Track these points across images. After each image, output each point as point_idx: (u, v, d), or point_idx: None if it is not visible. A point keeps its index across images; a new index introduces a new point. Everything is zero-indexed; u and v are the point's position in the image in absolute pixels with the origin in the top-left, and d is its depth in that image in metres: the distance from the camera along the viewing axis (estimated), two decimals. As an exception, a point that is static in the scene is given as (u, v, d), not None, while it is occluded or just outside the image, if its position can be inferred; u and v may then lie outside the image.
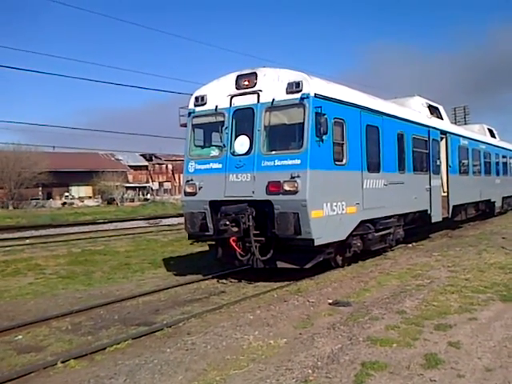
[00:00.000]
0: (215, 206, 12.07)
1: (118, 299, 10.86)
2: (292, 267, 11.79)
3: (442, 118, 20.92)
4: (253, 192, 11.52)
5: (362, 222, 13.11)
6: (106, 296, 11.40)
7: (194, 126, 13.19)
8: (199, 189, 12.46)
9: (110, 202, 79.03)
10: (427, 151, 17.74)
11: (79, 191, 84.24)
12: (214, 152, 12.67)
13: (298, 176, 10.94)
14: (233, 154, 12.04)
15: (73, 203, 77.66)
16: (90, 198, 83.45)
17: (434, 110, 20.22)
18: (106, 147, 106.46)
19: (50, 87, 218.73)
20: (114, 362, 6.88)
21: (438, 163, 18.68)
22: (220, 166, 12.20)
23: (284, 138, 12.09)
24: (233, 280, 12.55)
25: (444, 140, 19.80)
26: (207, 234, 12.39)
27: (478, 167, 25.30)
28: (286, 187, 11.02)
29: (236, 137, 12.13)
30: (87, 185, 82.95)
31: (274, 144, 11.80)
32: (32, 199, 73.04)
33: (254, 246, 11.44)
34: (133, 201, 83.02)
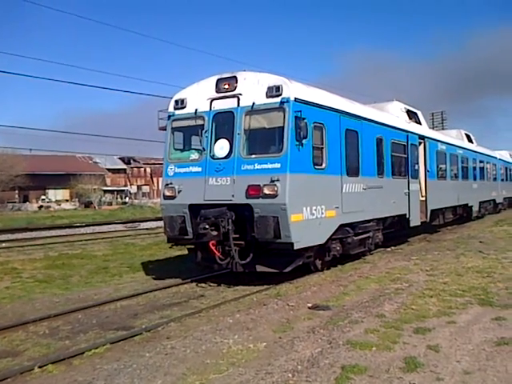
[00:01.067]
0: (195, 209, 12.01)
1: (96, 303, 10.75)
2: (271, 271, 11.77)
3: (420, 123, 21.13)
4: (232, 196, 11.49)
5: (342, 226, 13.13)
6: (84, 300, 11.27)
7: (174, 130, 13.13)
8: (178, 192, 12.38)
9: (88, 205, 78.38)
10: (406, 156, 17.86)
11: (56, 194, 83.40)
12: (194, 155, 12.60)
13: (278, 180, 10.94)
14: (212, 157, 11.99)
15: (50, 206, 76.80)
16: (67, 201, 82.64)
17: (412, 115, 20.42)
18: (84, 150, 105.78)
19: (26, 89, 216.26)
20: (92, 366, 6.80)
21: (416, 168, 18.83)
22: (199, 169, 12.14)
23: (264, 141, 12.07)
24: (212, 284, 12.50)
25: (422, 145, 20.00)
26: (186, 237, 12.32)
27: (456, 172, 25.56)
28: (266, 191, 11.00)
29: (216, 140, 12.09)
30: (64, 188, 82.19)
31: (254, 148, 11.77)
32: (8, 202, 72.13)
33: (234, 249, 11.39)
34: (111, 204, 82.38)
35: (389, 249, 17.70)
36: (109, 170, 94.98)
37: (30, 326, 9.17)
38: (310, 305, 9.59)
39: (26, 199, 78.04)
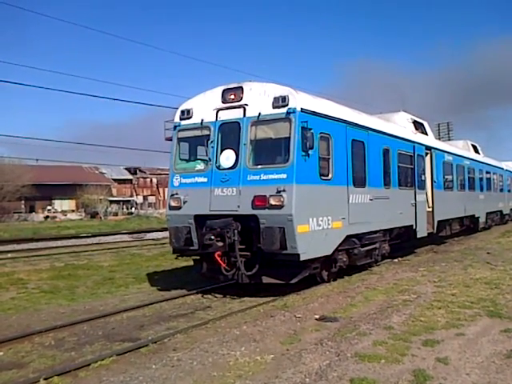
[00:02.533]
0: (200, 220, 11.96)
1: (101, 315, 10.70)
2: (277, 282, 11.69)
3: (426, 134, 21.11)
4: (238, 206, 11.43)
5: (348, 237, 13.06)
6: (90, 311, 11.24)
7: (180, 140, 13.13)
8: (184, 203, 12.34)
9: (94, 215, 78.48)
10: (412, 166, 17.82)
11: (62, 205, 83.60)
12: (200, 166, 12.59)
13: (284, 190, 10.88)
14: (218, 167, 11.96)
15: (55, 217, 76.98)
16: (73, 211, 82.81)
17: (419, 126, 20.39)
18: (90, 160, 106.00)
19: (33, 100, 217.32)
20: (98, 378, 6.75)
21: (423, 178, 18.78)
22: (205, 179, 12.11)
23: (270, 152, 12.04)
24: (218, 295, 12.45)
25: (429, 155, 19.95)
26: (192, 248, 12.27)
27: (463, 183, 25.46)
28: (272, 201, 10.95)
29: (222, 151, 12.06)
30: (70, 198, 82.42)
31: (260, 158, 11.74)
32: (14, 212, 72.33)
33: (240, 260, 11.33)
34: (116, 214, 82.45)
35: (396, 260, 17.61)
36: (115, 180, 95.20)
37: (36, 337, 9.13)
38: (317, 316, 9.52)
39: (32, 209, 78.25)
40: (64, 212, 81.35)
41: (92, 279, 15.62)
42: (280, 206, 10.88)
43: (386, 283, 12.81)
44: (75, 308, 11.67)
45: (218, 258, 11.53)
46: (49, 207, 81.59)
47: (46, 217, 76.21)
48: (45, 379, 6.77)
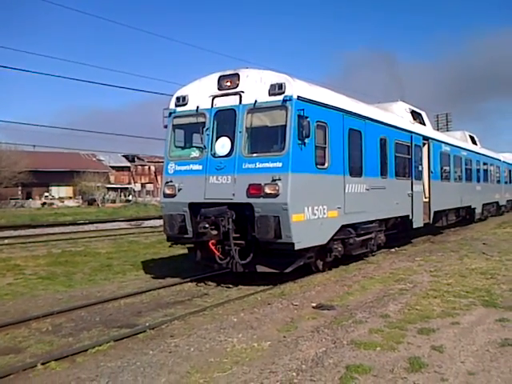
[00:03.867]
0: (195, 208, 11.93)
1: (99, 301, 10.73)
2: (272, 271, 11.67)
3: (424, 124, 21.06)
4: (233, 194, 11.38)
5: (344, 227, 13.02)
6: (87, 297, 11.27)
7: (175, 127, 13.03)
8: (178, 190, 12.29)
9: (91, 202, 78.36)
10: (409, 157, 17.77)
11: (59, 191, 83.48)
12: (195, 153, 12.52)
13: (280, 179, 10.82)
14: (213, 155, 11.90)
15: (53, 203, 76.85)
16: (70, 198, 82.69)
17: (416, 116, 20.34)
18: (88, 147, 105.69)
19: (29, 85, 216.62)
20: (95, 363, 6.78)
21: (420, 169, 18.72)
22: (200, 167, 12.04)
23: (266, 140, 11.98)
24: (216, 282, 12.47)
25: (426, 146, 19.90)
26: (186, 236, 12.22)
27: (460, 174, 25.47)
28: (267, 190, 10.88)
29: (217, 138, 11.99)
30: (68, 185, 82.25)
31: (256, 146, 11.67)
32: (11, 199, 72.15)
33: (234, 249, 11.30)
34: (114, 202, 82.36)
35: (393, 249, 17.68)
36: (113, 167, 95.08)
37: (33, 322, 9.16)
38: (314, 304, 9.58)
39: (29, 196, 78.14)
40: (61, 199, 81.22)
41: (89, 266, 15.64)
42: (275, 195, 10.82)
43: (383, 272, 12.89)
44: (72, 294, 11.69)
45: (212, 247, 11.48)
46: (46, 194, 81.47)
47: (43, 203, 76.09)
48: (42, 364, 6.80)
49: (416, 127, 19.11)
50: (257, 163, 11.24)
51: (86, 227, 31.94)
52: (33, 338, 8.33)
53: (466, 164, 26.50)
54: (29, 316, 9.50)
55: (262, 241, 11.03)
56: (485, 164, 31.39)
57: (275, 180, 10.85)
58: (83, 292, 11.90)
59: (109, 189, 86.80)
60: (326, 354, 6.70)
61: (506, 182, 38.48)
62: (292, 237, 10.80)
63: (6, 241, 23.42)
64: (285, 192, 10.77)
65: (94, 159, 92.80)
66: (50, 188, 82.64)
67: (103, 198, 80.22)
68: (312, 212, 11.57)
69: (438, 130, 44.91)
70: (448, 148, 23.09)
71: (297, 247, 10.95)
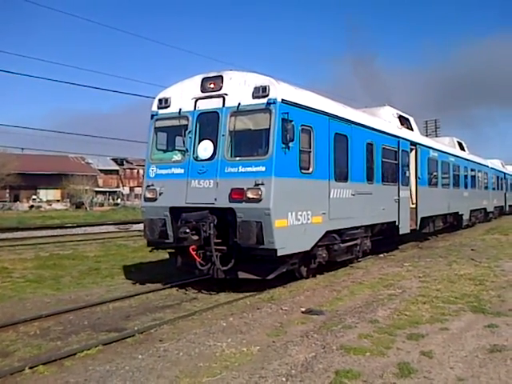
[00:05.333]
0: (176, 212, 11.68)
1: (87, 304, 10.67)
2: (254, 278, 11.44)
3: (412, 129, 20.99)
4: (215, 199, 11.15)
5: (328, 233, 12.81)
6: (75, 301, 11.19)
7: (157, 130, 12.79)
8: (160, 194, 12.04)
9: (79, 206, 78.04)
10: (397, 162, 17.64)
11: (47, 194, 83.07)
12: (177, 156, 12.25)
13: (262, 183, 10.60)
14: (196, 159, 11.68)
15: (40, 206, 76.50)
16: (58, 201, 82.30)
17: (404, 121, 20.26)
18: (76, 150, 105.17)
19: (18, 88, 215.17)
20: (84, 368, 6.74)
21: (407, 174, 18.62)
22: (182, 171, 11.83)
23: (249, 143, 11.78)
24: (204, 287, 12.41)
25: (414, 151, 19.83)
26: (167, 241, 11.98)
27: (447, 180, 25.42)
28: (250, 195, 10.66)
29: (199, 141, 11.76)
30: (56, 188, 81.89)
31: (239, 150, 11.46)
32: (-2, 201, 71.66)
33: (215, 255, 11.05)
34: (102, 205, 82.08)
35: (381, 255, 17.73)
36: (101, 170, 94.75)
37: (21, 326, 9.08)
38: (303, 309, 9.57)
39: (16, 198, 77.65)
40: (49, 202, 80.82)
41: (77, 269, 15.54)
42: (258, 200, 10.60)
43: (372, 278, 12.91)
44: (60, 298, 11.61)
45: (193, 253, 11.23)
46: (34, 197, 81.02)
47: (31, 206, 75.68)
48: (30, 368, 6.76)
49: (403, 132, 19.03)
50: (239, 167, 11.03)
51: (74, 230, 31.74)
52: (21, 342, 8.26)
53: (453, 170, 26.48)
54: (17, 319, 9.43)
55: (243, 246, 10.77)
56: (473, 170, 31.45)
57: (258, 184, 10.64)
58: (71, 295, 11.82)
59: (97, 192, 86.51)
60: (315, 359, 6.70)
61: (493, 189, 38.66)
62: (275, 243, 10.58)
63: (-7, 243, 23.21)
64: (268, 197, 10.56)
65: (83, 162, 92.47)
66: (38, 191, 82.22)
67: (91, 202, 79.90)
68: (295, 217, 11.37)
69: (426, 135, 45.24)
70: (436, 154, 23.08)
71: (279, 253, 10.73)
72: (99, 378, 6.32)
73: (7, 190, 74.73)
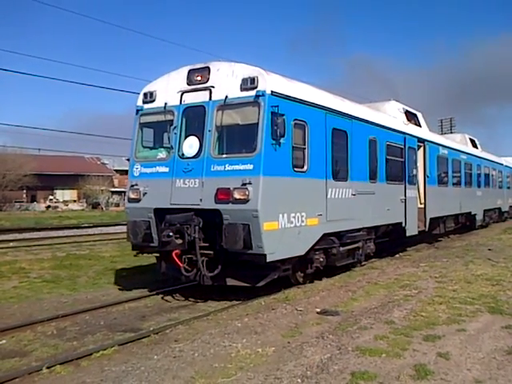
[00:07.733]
0: (160, 214, 10.97)
1: (103, 305, 10.75)
2: (243, 285, 10.75)
3: (420, 125, 20.13)
4: (200, 200, 10.40)
5: (326, 235, 12.03)
6: (92, 301, 11.28)
7: (142, 125, 12.08)
8: (143, 195, 11.35)
9: (95, 206, 78.55)
10: (403, 160, 16.83)
11: (64, 195, 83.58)
12: (162, 154, 11.59)
13: (250, 183, 9.84)
14: (181, 156, 10.98)
15: (57, 207, 77.02)
16: (74, 201, 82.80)
17: (411, 117, 19.37)
18: (92, 151, 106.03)
19: (36, 89, 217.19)
20: (100, 368, 6.79)
21: (414, 173, 17.75)
22: (167, 169, 11.10)
23: (237, 140, 11.09)
24: (218, 287, 12.35)
25: (422, 148, 19.02)
26: (152, 245, 11.27)
27: (458, 178, 24.51)
28: (236, 195, 9.89)
29: (185, 137, 11.07)
30: (72, 188, 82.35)
31: (226, 146, 10.82)
32: (16, 202, 72.37)
33: (201, 260, 10.32)
34: (118, 205, 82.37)
35: (397, 255, 17.63)
36: (117, 171, 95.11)
37: (38, 326, 9.18)
38: (318, 310, 9.55)
39: (33, 199, 78.24)
40: (65, 202, 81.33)
41: (94, 269, 15.66)
42: (245, 201, 9.84)
43: (387, 278, 12.84)
44: (77, 298, 11.71)
45: (176, 257, 10.48)
46: (50, 197, 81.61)
47: (48, 206, 76.23)
48: (47, 368, 6.83)
49: (410, 128, 18.19)
50: (226, 165, 10.28)
51: (90, 231, 31.98)
52: (38, 342, 8.36)
53: (465, 168, 25.54)
54: (34, 319, 9.54)
55: (230, 251, 10.01)
56: (486, 168, 30.56)
57: (245, 184, 9.89)
58: (87, 296, 11.92)
59: (113, 192, 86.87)
60: (331, 361, 6.67)
61: (508, 187, 37.84)
62: (263, 247, 9.80)
63: (11, 244, 23.49)
64: (255, 197, 9.81)
65: (99, 163, 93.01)
66: (55, 191, 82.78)
67: (107, 202, 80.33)
68: (288, 220, 10.60)
69: (442, 134, 44.63)
70: (446, 151, 22.18)
71: (269, 259, 9.96)
72: (115, 378, 6.35)
73: (24, 191, 75.32)
